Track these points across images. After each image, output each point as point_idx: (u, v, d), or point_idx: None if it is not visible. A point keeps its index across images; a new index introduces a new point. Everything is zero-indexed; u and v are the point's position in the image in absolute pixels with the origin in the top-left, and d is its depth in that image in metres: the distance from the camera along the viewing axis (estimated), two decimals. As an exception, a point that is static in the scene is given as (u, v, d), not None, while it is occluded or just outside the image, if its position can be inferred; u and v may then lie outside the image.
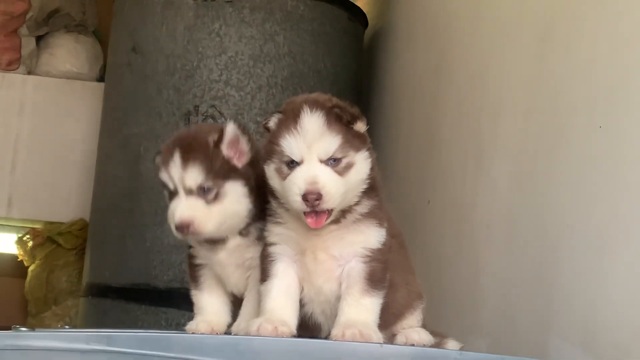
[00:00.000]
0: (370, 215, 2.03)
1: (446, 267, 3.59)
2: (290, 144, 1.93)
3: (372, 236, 2.03)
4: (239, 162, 2.10)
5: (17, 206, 6.01)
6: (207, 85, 4.22)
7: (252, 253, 2.15)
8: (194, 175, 2.03)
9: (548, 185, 2.83)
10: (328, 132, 1.94)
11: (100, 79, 6.06)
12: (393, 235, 2.14)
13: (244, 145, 2.11)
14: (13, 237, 6.18)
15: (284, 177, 1.95)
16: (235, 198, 2.08)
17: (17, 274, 6.26)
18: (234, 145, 2.09)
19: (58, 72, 6.19)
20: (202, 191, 2.03)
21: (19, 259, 6.15)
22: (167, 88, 4.26)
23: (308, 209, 1.90)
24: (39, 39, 6.24)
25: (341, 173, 1.94)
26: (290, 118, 1.95)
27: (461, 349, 2.30)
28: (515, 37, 3.22)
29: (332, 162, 1.94)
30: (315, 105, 1.96)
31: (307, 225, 1.94)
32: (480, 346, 3.06)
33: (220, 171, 2.05)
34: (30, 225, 6.15)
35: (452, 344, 2.33)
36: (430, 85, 4.10)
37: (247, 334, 1.91)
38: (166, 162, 2.07)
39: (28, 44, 6.11)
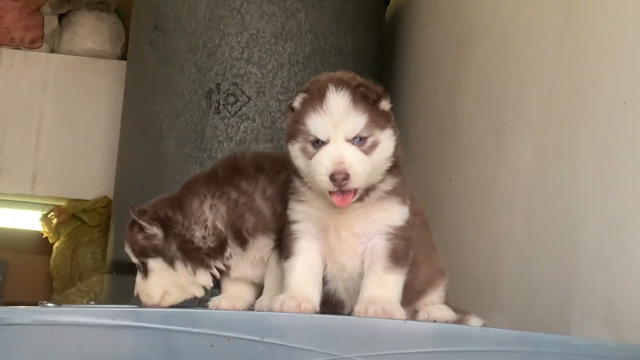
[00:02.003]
0: (393, 193, 2.03)
1: (467, 245, 3.60)
2: (316, 124, 1.93)
3: (395, 214, 2.04)
4: None
5: (41, 184, 6.06)
6: (229, 63, 4.22)
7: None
8: None
9: (570, 164, 2.81)
10: (354, 111, 1.94)
11: (122, 57, 6.08)
12: (415, 213, 2.14)
13: None
14: (38, 214, 6.24)
15: (309, 156, 1.94)
16: None
17: (42, 251, 6.33)
18: None
19: (81, 50, 6.22)
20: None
21: (43, 236, 6.22)
22: (189, 66, 4.26)
23: (335, 189, 1.90)
24: (61, 17, 6.26)
25: (367, 152, 1.94)
26: (316, 97, 1.95)
27: (484, 325, 2.31)
28: (539, 13, 3.19)
29: (358, 141, 1.93)
30: (340, 84, 1.96)
31: (331, 203, 1.94)
32: (501, 323, 3.07)
33: None
34: (55, 203, 6.21)
35: (474, 321, 2.34)
36: (452, 62, 4.08)
37: (270, 310, 1.93)
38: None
39: (50, 23, 6.13)
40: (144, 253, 2.15)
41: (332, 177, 1.89)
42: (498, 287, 3.24)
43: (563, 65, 2.94)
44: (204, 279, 2.18)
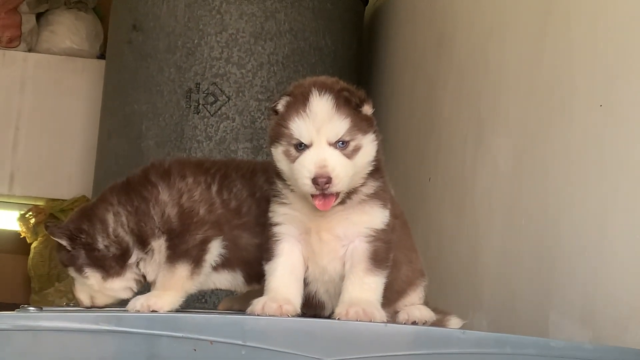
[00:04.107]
0: (375, 196, 2.05)
1: (447, 244, 3.62)
2: (300, 127, 1.95)
3: (377, 217, 2.06)
4: None
5: (19, 183, 6.02)
6: (208, 63, 4.23)
7: None
8: None
9: (548, 163, 2.84)
10: (337, 115, 1.96)
11: (101, 56, 6.05)
12: (395, 216, 2.17)
13: None
14: (15, 214, 6.20)
15: (292, 159, 1.96)
16: None
17: (20, 250, 6.29)
18: None
19: (58, 49, 6.17)
20: None
21: (21, 236, 6.18)
22: (168, 66, 4.26)
23: (317, 192, 1.92)
24: (39, 16, 6.21)
25: (349, 156, 1.96)
26: (299, 101, 1.97)
27: (463, 325, 2.33)
28: (516, 14, 3.22)
29: (341, 144, 1.95)
30: (323, 88, 1.98)
31: (313, 206, 1.96)
32: (480, 323, 3.10)
33: None
34: (33, 203, 6.17)
35: (454, 321, 2.35)
36: (431, 62, 4.11)
37: (251, 313, 1.93)
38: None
39: (28, 21, 6.09)
40: (63, 262, 2.24)
41: (315, 181, 1.90)
42: (477, 287, 3.27)
43: (540, 66, 2.98)
44: (117, 284, 2.23)
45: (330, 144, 1.95)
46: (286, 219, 2.08)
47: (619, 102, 2.48)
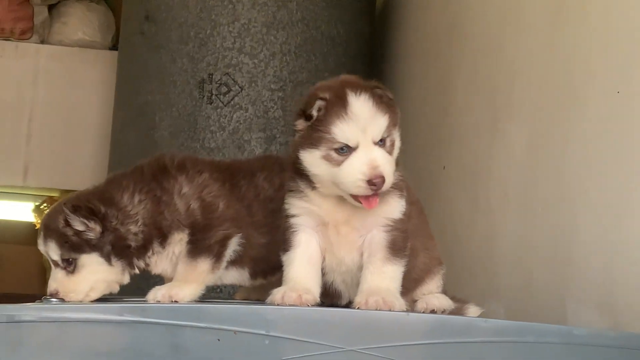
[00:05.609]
0: (394, 186, 2.05)
1: (462, 233, 3.62)
2: (344, 130, 1.93)
3: (395, 207, 2.06)
4: None
5: (33, 175, 6.04)
6: (221, 53, 4.23)
7: None
8: None
9: (564, 150, 2.84)
10: (378, 113, 1.96)
11: (113, 47, 6.06)
12: (411, 203, 2.17)
13: None
14: (30, 205, 6.23)
15: (336, 163, 1.94)
16: None
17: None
18: None
19: (70, 40, 6.19)
20: None
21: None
22: (180, 56, 4.26)
23: (370, 193, 1.93)
24: (51, 7, 6.23)
25: (389, 152, 1.99)
26: (337, 104, 1.95)
27: (481, 314, 2.34)
28: (531, 0, 3.21)
29: (380, 142, 1.97)
30: (358, 87, 1.97)
31: (333, 203, 1.99)
32: (497, 311, 3.10)
33: None
34: (47, 194, 6.20)
35: (472, 310, 2.36)
36: (444, 49, 4.09)
37: (271, 303, 1.94)
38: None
39: (40, 13, 6.10)
40: (76, 249, 2.13)
41: (371, 182, 1.91)
42: (493, 275, 3.27)
43: (556, 52, 2.96)
44: (127, 276, 2.21)
45: (375, 143, 1.96)
46: (303, 211, 2.08)
47: (636, 89, 2.47)
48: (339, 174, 1.95)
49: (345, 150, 1.94)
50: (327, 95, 1.98)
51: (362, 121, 1.94)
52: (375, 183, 1.91)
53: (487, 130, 3.47)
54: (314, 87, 2.06)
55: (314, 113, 1.97)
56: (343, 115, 1.94)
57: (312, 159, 1.98)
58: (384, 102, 1.99)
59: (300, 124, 2.00)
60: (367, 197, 1.94)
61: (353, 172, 1.93)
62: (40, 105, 6.06)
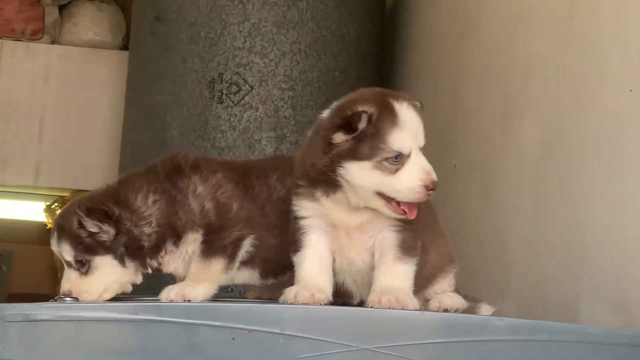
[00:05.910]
0: None
1: (473, 231, 3.62)
2: (399, 139, 1.97)
3: None
4: None
5: (44, 175, 6.06)
6: (231, 53, 4.23)
7: None
8: None
9: (577, 149, 2.83)
10: (420, 120, 2.04)
11: (124, 47, 6.08)
12: None
13: None
14: (41, 205, 6.26)
15: (391, 171, 1.97)
16: None
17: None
18: None
19: (81, 41, 6.20)
20: None
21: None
22: (191, 56, 4.27)
23: (427, 198, 1.99)
24: (61, 8, 6.24)
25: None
26: (386, 114, 1.98)
27: (494, 312, 2.33)
28: (543, -1, 3.20)
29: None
30: (399, 98, 2.03)
31: (345, 208, 2.02)
32: (509, 310, 3.10)
33: None
34: (58, 194, 6.22)
35: (485, 309, 2.35)
36: (455, 49, 4.09)
37: (284, 302, 1.95)
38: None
39: (51, 14, 6.12)
40: (90, 250, 2.12)
41: (428, 187, 1.96)
42: (505, 273, 3.26)
43: (569, 50, 2.96)
44: (140, 276, 2.20)
45: (420, 149, 2.02)
46: (313, 213, 2.09)
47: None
48: (393, 182, 1.97)
49: (398, 159, 1.97)
50: (372, 107, 1.99)
51: (413, 129, 2.00)
52: (432, 188, 1.96)
53: (499, 129, 3.46)
54: (348, 102, 2.06)
55: (361, 125, 1.97)
56: (396, 124, 1.98)
57: (361, 171, 1.99)
58: (418, 109, 2.05)
59: (339, 137, 1.99)
60: (411, 206, 1.98)
61: (411, 179, 1.97)
62: (51, 105, 6.08)
